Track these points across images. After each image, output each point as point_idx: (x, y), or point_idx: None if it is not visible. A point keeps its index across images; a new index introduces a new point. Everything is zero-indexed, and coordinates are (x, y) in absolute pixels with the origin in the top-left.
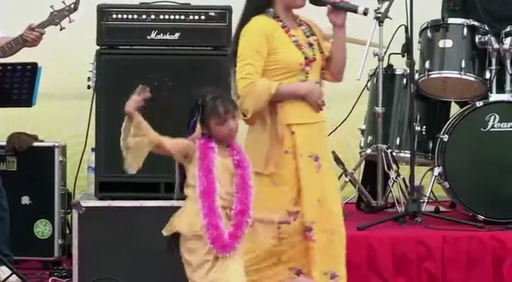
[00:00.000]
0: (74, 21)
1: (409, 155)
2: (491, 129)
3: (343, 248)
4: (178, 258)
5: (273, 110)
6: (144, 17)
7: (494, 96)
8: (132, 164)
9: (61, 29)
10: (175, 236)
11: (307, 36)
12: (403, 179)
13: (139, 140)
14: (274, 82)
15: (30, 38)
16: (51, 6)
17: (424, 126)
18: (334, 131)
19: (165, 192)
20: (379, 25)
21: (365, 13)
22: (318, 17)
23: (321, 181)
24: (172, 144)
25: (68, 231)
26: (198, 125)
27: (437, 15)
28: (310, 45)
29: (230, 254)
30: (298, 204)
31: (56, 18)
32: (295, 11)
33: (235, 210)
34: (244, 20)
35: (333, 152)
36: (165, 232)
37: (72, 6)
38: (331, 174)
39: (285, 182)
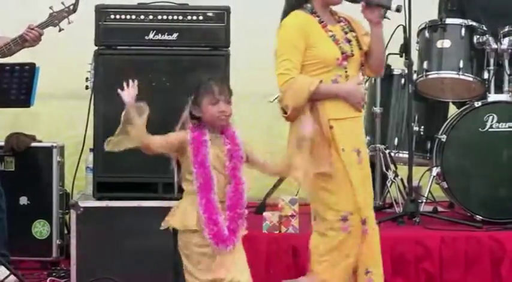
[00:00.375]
0: (73, 22)
1: (407, 155)
2: (490, 130)
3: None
4: (176, 257)
5: (313, 107)
6: (142, 17)
7: (492, 97)
8: (114, 146)
9: (60, 30)
10: (175, 231)
11: (346, 32)
12: (401, 179)
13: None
14: (315, 79)
15: (29, 37)
16: (51, 7)
17: (422, 127)
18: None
19: (163, 193)
20: None
21: (398, 10)
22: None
23: (362, 174)
24: (161, 143)
25: (66, 232)
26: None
27: (435, 15)
28: (348, 41)
29: (230, 249)
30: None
31: (55, 19)
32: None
33: (228, 203)
34: (284, 15)
35: None
36: (162, 226)
37: (72, 7)
38: (369, 167)
39: (337, 179)
